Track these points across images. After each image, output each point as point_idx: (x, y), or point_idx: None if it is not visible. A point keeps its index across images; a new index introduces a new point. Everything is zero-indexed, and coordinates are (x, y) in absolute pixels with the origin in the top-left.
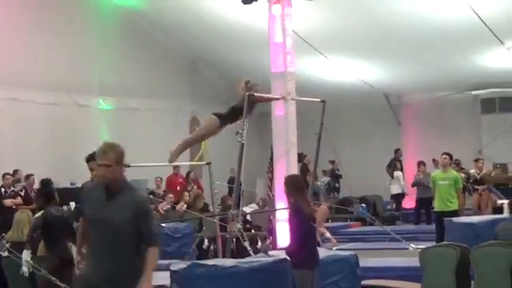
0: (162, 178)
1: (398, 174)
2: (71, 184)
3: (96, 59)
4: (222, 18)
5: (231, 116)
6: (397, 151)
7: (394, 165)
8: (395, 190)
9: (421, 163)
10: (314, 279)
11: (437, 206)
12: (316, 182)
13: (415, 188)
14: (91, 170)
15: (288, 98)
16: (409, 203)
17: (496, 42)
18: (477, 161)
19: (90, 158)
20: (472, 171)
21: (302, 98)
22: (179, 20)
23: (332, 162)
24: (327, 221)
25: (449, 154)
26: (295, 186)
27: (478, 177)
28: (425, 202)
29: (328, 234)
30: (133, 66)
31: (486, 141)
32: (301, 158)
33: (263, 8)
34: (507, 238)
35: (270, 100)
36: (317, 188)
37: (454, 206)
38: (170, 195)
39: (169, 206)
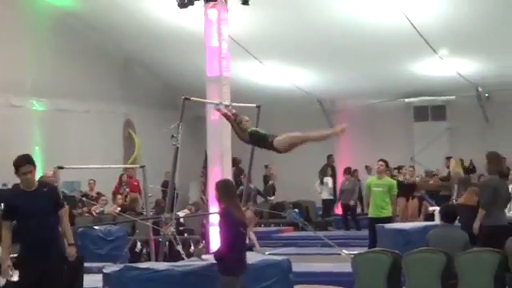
0: (94, 180)
1: (327, 179)
2: (3, 185)
3: (29, 60)
4: (157, 20)
5: None
6: (329, 157)
7: (325, 170)
8: (325, 195)
9: (346, 170)
10: (241, 285)
11: (371, 212)
12: (250, 184)
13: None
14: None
15: (223, 103)
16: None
17: (429, 51)
18: (399, 168)
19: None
20: (400, 178)
21: (237, 104)
22: (114, 21)
23: (266, 167)
24: (259, 225)
25: (385, 161)
26: (226, 191)
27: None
28: (349, 208)
29: (253, 237)
30: (67, 66)
31: (418, 148)
32: (235, 162)
33: (199, 11)
34: (438, 245)
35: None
36: (252, 189)
37: (388, 213)
38: (104, 197)
39: (102, 209)
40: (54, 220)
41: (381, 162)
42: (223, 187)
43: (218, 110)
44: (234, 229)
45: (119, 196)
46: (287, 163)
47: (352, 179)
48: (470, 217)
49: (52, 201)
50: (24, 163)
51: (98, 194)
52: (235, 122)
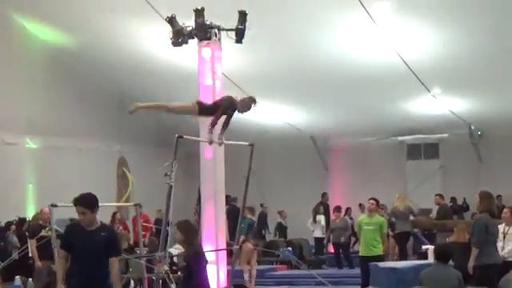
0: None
1: (319, 217)
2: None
3: (24, 97)
4: (152, 58)
5: (210, 111)
6: (323, 195)
7: (318, 208)
8: (317, 233)
9: (336, 208)
10: None
11: (362, 250)
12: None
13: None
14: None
15: (217, 142)
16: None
17: (422, 89)
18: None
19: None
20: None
21: (231, 142)
22: (109, 59)
23: (261, 205)
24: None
25: (376, 200)
26: (189, 230)
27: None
28: (341, 247)
29: (253, 273)
30: (61, 104)
31: (411, 186)
32: (228, 200)
33: (193, 50)
34: (431, 284)
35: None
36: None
37: (379, 251)
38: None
39: None
40: (102, 264)
41: (371, 201)
42: (186, 227)
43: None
44: (205, 268)
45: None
46: (280, 201)
47: (342, 217)
48: (462, 254)
49: (106, 245)
50: (76, 204)
51: None
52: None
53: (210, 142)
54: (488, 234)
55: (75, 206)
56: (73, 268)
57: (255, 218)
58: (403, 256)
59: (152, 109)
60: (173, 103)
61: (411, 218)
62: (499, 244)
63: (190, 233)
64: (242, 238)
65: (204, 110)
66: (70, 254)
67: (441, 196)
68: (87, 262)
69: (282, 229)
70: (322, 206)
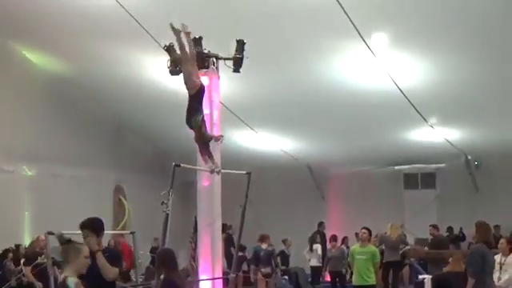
0: None
1: (316, 246)
2: None
3: (21, 125)
4: (150, 86)
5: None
6: (320, 224)
7: (314, 237)
8: (314, 262)
9: (332, 237)
10: None
11: (355, 280)
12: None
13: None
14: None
15: (215, 170)
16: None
17: (419, 119)
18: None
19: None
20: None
21: (228, 171)
22: (106, 86)
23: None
24: None
25: (368, 229)
26: (166, 259)
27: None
28: (338, 276)
29: None
30: (58, 132)
31: (408, 215)
32: (225, 228)
33: None
34: None
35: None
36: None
37: (372, 281)
38: None
39: None
40: (109, 286)
41: (363, 230)
42: (163, 256)
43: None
44: None
45: None
46: (276, 230)
47: (339, 246)
48: (459, 284)
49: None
50: (81, 228)
51: None
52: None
53: (211, 171)
54: (484, 264)
55: (81, 229)
56: None
57: (270, 248)
58: (394, 285)
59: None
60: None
61: (402, 247)
62: (496, 274)
63: (166, 262)
64: (253, 267)
65: None
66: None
67: (435, 226)
68: (93, 286)
69: (284, 257)
70: (319, 235)
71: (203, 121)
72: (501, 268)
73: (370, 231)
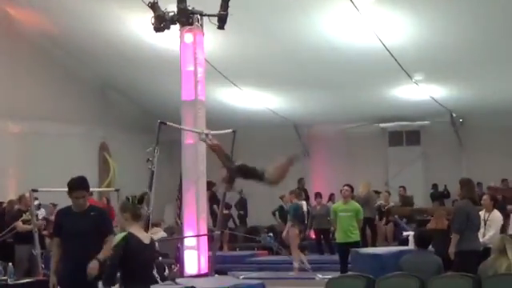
0: (55, 205)
1: (301, 203)
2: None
3: (5, 82)
4: (133, 44)
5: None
6: (300, 180)
7: (299, 194)
8: None
9: (317, 195)
10: None
11: (339, 237)
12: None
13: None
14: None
15: (203, 133)
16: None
17: (404, 76)
18: (377, 193)
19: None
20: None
21: (213, 132)
22: (90, 45)
23: (239, 192)
24: (234, 249)
25: (350, 186)
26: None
27: (384, 209)
28: (322, 233)
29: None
30: (43, 89)
31: (393, 173)
32: (210, 186)
33: (175, 35)
34: (411, 270)
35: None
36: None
37: (356, 237)
38: None
39: None
40: (95, 245)
41: (346, 187)
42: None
43: (204, 141)
44: None
45: None
46: (260, 188)
47: (324, 204)
48: (441, 241)
49: (97, 225)
50: (77, 188)
51: None
52: (221, 151)
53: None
54: (469, 220)
55: (74, 190)
56: (66, 253)
57: (301, 202)
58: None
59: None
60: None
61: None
62: (480, 230)
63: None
64: (289, 223)
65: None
66: (61, 240)
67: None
68: (79, 244)
69: (283, 213)
70: (302, 192)
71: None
72: (485, 224)
73: (352, 188)
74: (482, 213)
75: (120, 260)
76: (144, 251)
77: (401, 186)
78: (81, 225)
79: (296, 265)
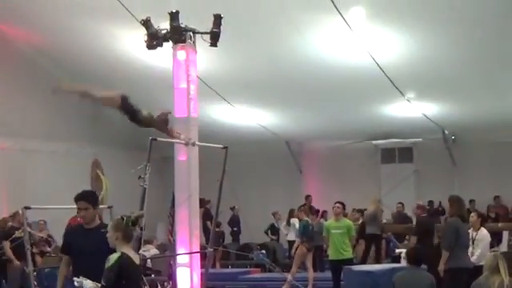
0: (45, 222)
1: (294, 220)
2: None
3: None
4: (126, 60)
5: (131, 113)
6: (307, 197)
7: (292, 212)
8: (291, 236)
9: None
10: None
11: (331, 254)
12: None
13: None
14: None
15: (190, 142)
16: None
17: (397, 93)
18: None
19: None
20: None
21: (204, 144)
22: (83, 61)
23: (232, 209)
24: (227, 266)
25: (342, 203)
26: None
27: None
28: (315, 250)
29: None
30: (34, 106)
31: (385, 190)
32: (202, 203)
33: (168, 53)
34: (404, 287)
35: (171, 136)
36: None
37: (349, 255)
38: None
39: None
40: (103, 264)
41: (337, 204)
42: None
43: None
44: None
45: None
46: (254, 204)
47: (318, 221)
48: (432, 258)
49: (106, 243)
50: (78, 199)
51: (49, 235)
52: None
53: (186, 144)
54: (459, 237)
55: (77, 202)
56: (74, 271)
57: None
58: (377, 259)
59: (76, 94)
60: (96, 91)
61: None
62: (469, 249)
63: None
64: (298, 240)
65: (126, 107)
66: (71, 258)
67: (402, 204)
68: (89, 261)
69: (274, 230)
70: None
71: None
72: (473, 243)
73: (343, 205)
74: (469, 231)
75: (114, 281)
76: (136, 272)
77: (399, 203)
78: (90, 242)
79: (290, 278)
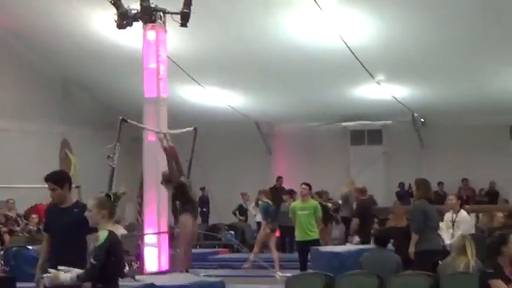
0: (13, 201)
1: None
2: None
3: None
4: (96, 40)
5: None
6: (278, 179)
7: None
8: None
9: (288, 192)
10: None
11: (298, 235)
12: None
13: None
14: None
15: (162, 132)
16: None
17: (367, 76)
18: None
19: None
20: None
21: (175, 131)
22: (52, 41)
23: (202, 189)
24: (196, 246)
25: (308, 184)
26: None
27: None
28: (287, 231)
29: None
30: (4, 86)
31: (354, 171)
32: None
33: (138, 33)
34: (371, 268)
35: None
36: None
37: (315, 235)
38: (34, 216)
39: (31, 227)
40: (77, 243)
41: (304, 186)
42: None
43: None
44: None
45: (34, 216)
46: (224, 185)
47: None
48: (401, 239)
49: (79, 222)
50: (46, 179)
51: (18, 215)
52: (174, 156)
53: (161, 139)
54: (427, 220)
55: (46, 181)
56: (50, 249)
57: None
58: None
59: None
60: None
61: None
62: (449, 231)
63: None
64: (263, 222)
65: None
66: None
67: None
68: (61, 241)
69: (243, 211)
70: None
71: None
72: (453, 225)
73: (310, 186)
74: (449, 214)
75: (104, 259)
76: (122, 248)
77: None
78: (63, 221)
79: (251, 258)
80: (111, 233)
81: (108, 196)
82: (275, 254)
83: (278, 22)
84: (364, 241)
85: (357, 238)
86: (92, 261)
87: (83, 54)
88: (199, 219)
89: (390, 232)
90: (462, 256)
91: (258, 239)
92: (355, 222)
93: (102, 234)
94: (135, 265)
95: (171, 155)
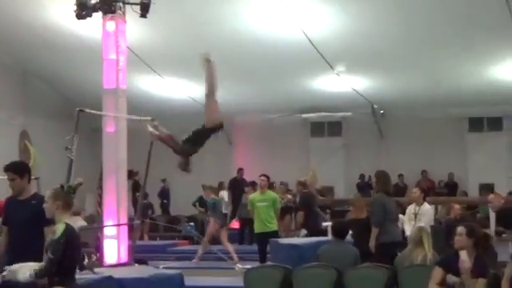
0: None
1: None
2: None
3: None
4: (55, 30)
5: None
6: (239, 171)
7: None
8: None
9: (250, 184)
10: None
11: (257, 227)
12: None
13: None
14: None
15: (119, 115)
16: (237, 223)
17: (326, 67)
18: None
19: None
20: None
21: (132, 117)
22: (11, 30)
23: (163, 181)
24: (155, 238)
25: (266, 176)
26: None
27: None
28: (248, 223)
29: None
30: None
31: (315, 163)
32: (131, 174)
33: (98, 23)
34: (329, 260)
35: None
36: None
37: (274, 227)
38: None
39: None
40: (35, 235)
41: (262, 177)
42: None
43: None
44: None
45: None
46: (183, 177)
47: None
48: (361, 231)
49: (37, 215)
50: (5, 170)
51: None
52: (170, 140)
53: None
54: (386, 212)
55: (5, 172)
56: (9, 242)
57: (218, 197)
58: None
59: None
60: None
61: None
62: (411, 223)
63: None
64: (212, 217)
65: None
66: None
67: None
68: (19, 233)
69: (203, 202)
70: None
71: None
72: (415, 217)
73: (268, 178)
74: (412, 206)
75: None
76: (78, 241)
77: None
78: (21, 213)
79: (200, 252)
80: (68, 226)
81: (62, 187)
82: (229, 247)
83: (237, 13)
84: (311, 233)
85: (304, 231)
86: (50, 255)
87: (43, 44)
88: (159, 210)
89: (350, 224)
90: (420, 248)
91: (207, 234)
92: (299, 214)
93: (59, 228)
94: (94, 257)
95: (167, 144)
